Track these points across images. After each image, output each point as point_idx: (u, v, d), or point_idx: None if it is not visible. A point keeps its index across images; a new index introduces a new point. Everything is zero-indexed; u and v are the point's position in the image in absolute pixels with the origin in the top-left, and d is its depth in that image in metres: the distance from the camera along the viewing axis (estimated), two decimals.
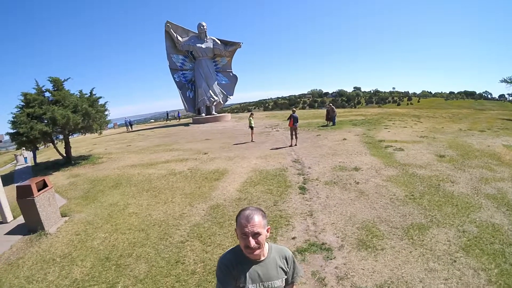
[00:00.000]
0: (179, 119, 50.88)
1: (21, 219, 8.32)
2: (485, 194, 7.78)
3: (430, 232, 5.95)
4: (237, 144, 17.73)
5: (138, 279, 5.16)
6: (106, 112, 17.82)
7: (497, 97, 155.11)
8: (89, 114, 15.82)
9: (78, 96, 16.66)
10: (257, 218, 1.99)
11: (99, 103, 17.32)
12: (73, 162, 16.65)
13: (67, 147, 16.94)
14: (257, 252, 2.03)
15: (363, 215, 6.85)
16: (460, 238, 5.68)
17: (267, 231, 2.08)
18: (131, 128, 40.70)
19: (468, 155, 11.75)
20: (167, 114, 58.93)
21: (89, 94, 17.20)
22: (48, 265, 5.93)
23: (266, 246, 2.17)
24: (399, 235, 5.91)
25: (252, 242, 1.96)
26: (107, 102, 18.17)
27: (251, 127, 18.74)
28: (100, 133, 18.37)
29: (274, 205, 7.76)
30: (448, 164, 10.58)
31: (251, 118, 19.05)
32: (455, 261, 4.98)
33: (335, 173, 10.13)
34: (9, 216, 8.78)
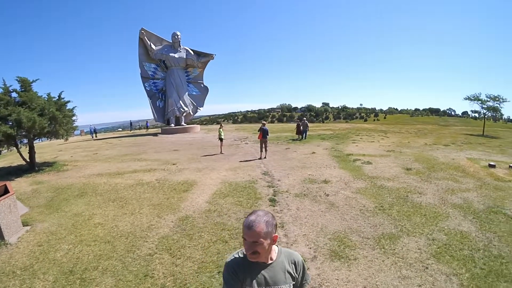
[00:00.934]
0: (147, 129, 49.77)
1: None
2: (451, 204, 8.11)
3: (401, 241, 6.03)
4: (206, 155, 17.47)
5: None
6: (74, 118, 17.14)
7: (460, 114, 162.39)
8: (56, 119, 15.09)
9: (46, 99, 15.94)
10: (259, 228, 1.91)
11: (67, 108, 16.65)
12: (37, 168, 15.78)
13: (31, 152, 16.04)
14: (256, 259, 2.00)
15: (334, 226, 6.82)
16: (430, 246, 5.83)
17: (274, 239, 2.01)
18: (96, 136, 39.55)
19: (434, 168, 12.13)
20: (131, 123, 56.72)
21: (57, 98, 16.49)
22: (8, 278, 5.50)
23: (275, 249, 2.15)
24: (371, 244, 5.92)
25: (249, 250, 1.94)
26: (75, 107, 17.45)
27: (221, 139, 18.52)
28: (66, 139, 17.64)
29: (244, 216, 7.52)
30: (415, 177, 10.87)
31: (221, 129, 18.86)
32: (427, 267, 5.08)
33: (305, 186, 10.12)
34: None
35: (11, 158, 21.13)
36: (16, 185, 12.67)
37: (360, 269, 5.12)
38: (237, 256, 2.12)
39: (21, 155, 15.82)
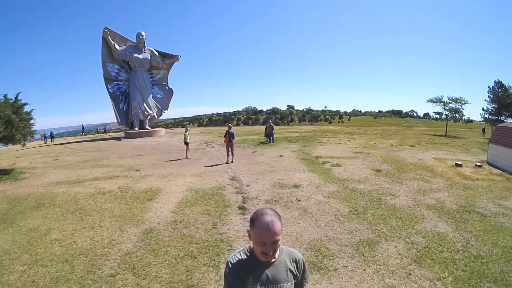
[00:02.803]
0: (106, 133, 47.82)
1: None
2: (425, 205, 8.08)
3: (380, 247, 5.82)
4: (171, 160, 16.87)
5: None
6: (32, 121, 16.06)
7: (422, 115, 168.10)
8: (12, 122, 14.12)
9: (3, 101, 14.88)
10: (277, 227, 1.87)
11: (24, 111, 15.56)
12: None
13: None
14: (271, 258, 1.97)
15: (309, 234, 6.47)
16: (410, 250, 5.70)
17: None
18: (52, 140, 37.73)
19: (403, 168, 12.18)
20: (83, 128, 53.36)
21: (13, 100, 15.39)
22: None
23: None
24: (349, 253, 5.65)
25: (271, 251, 1.89)
26: (33, 109, 16.36)
27: (186, 143, 17.98)
28: (24, 144, 16.55)
29: (213, 227, 7.10)
30: (385, 178, 10.83)
31: (186, 133, 18.29)
32: (410, 274, 4.93)
33: (275, 191, 9.77)
34: None
35: None
36: None
37: (341, 280, 4.82)
38: (239, 256, 2.06)
39: None
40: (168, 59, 36.65)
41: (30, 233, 7.57)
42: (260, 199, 8.99)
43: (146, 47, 35.11)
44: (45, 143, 35.82)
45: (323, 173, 11.84)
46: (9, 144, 15.64)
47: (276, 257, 2.05)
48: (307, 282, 2.24)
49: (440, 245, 5.82)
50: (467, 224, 6.87)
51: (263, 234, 1.85)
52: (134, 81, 34.25)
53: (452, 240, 6.05)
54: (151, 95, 35.85)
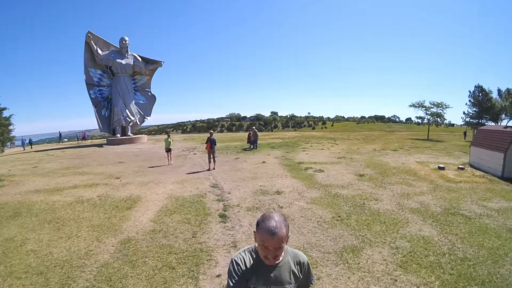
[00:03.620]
0: (84, 140, 46.66)
1: None
2: (409, 209, 7.99)
3: (364, 253, 5.66)
4: (152, 167, 16.55)
5: None
6: (11, 127, 15.58)
7: (404, 120, 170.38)
8: None
9: None
10: (282, 233, 1.84)
11: (2, 115, 15.06)
12: None
13: None
14: (274, 262, 1.96)
15: (291, 242, 6.21)
16: (395, 255, 5.56)
17: (287, 240, 1.95)
18: (31, 147, 37.08)
19: (386, 173, 12.15)
20: (60, 134, 51.59)
21: None
22: None
23: None
24: (333, 260, 5.46)
25: (273, 256, 1.89)
26: (12, 115, 15.89)
27: (169, 150, 17.67)
28: (2, 151, 16.03)
29: (193, 237, 6.83)
30: (369, 183, 10.76)
31: (169, 140, 17.95)
32: (396, 280, 4.78)
33: (256, 198, 9.56)
34: None
35: None
36: None
37: None
38: (244, 254, 2.08)
39: None
40: (151, 64, 36.32)
41: (5, 244, 7.23)
42: (242, 207, 8.76)
43: (129, 53, 34.74)
44: (24, 149, 35.00)
45: (306, 179, 11.71)
46: None
47: (281, 258, 2.03)
48: (312, 284, 2.25)
49: (426, 249, 5.71)
50: (452, 227, 6.81)
51: (266, 239, 1.84)
52: (117, 86, 33.78)
53: (438, 244, 5.96)
54: (133, 101, 35.40)
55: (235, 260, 2.05)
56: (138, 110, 36.29)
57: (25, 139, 38.29)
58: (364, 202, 8.63)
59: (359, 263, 5.29)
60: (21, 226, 8.42)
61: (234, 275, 2.00)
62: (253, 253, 2.06)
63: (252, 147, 23.02)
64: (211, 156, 15.23)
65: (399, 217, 7.44)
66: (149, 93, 38.06)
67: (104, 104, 34.65)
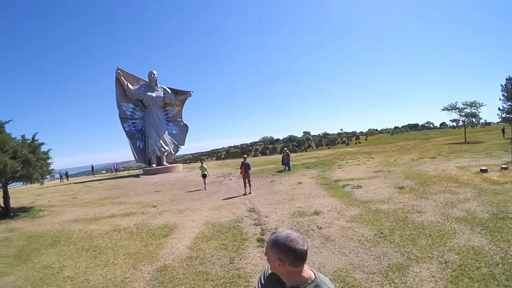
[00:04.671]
0: (116, 171, 47.83)
1: None
2: (455, 218, 7.53)
3: (411, 270, 5.30)
4: (188, 195, 16.75)
5: None
6: (49, 160, 16.42)
7: (438, 126, 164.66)
8: (29, 162, 14.54)
9: (20, 141, 15.29)
10: (271, 252, 1.79)
11: (41, 150, 15.93)
12: (11, 214, 14.96)
13: (5, 197, 15.27)
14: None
15: (333, 264, 5.99)
16: (444, 270, 5.17)
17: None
18: (68, 179, 39.06)
19: (426, 182, 11.63)
20: (92, 167, 53.28)
21: (31, 140, 15.83)
22: None
23: (311, 277, 1.87)
24: (378, 281, 5.13)
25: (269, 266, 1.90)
26: (50, 149, 16.80)
27: (204, 175, 18.28)
28: (42, 183, 16.94)
29: (230, 263, 6.71)
30: (409, 195, 10.30)
31: (204, 166, 18.71)
32: None
33: (294, 220, 9.35)
34: None
35: None
36: None
37: None
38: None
39: None
40: (180, 95, 37.27)
41: (43, 270, 7.53)
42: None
43: (159, 85, 35.88)
44: (61, 182, 37.01)
45: (344, 197, 11.37)
46: (29, 183, 15.93)
47: (303, 284, 1.86)
48: None
49: (477, 261, 5.29)
50: (502, 233, 6.35)
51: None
52: (149, 119, 34.83)
53: (489, 253, 5.52)
54: (166, 132, 36.29)
55: (264, 270, 2.07)
56: (171, 140, 37.13)
57: (62, 172, 39.91)
58: (406, 215, 8.22)
59: (406, 282, 4.96)
60: (59, 253, 8.72)
61: (259, 280, 2.06)
62: None
63: (285, 169, 22.85)
64: (246, 180, 15.17)
65: (445, 228, 6.99)
66: (181, 123, 38.93)
67: (139, 136, 35.79)
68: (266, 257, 1.87)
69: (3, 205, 15.17)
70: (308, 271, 1.89)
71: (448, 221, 7.38)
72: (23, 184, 16.31)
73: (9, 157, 13.55)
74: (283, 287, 1.89)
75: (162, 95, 35.61)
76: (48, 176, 20.88)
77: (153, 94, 34.88)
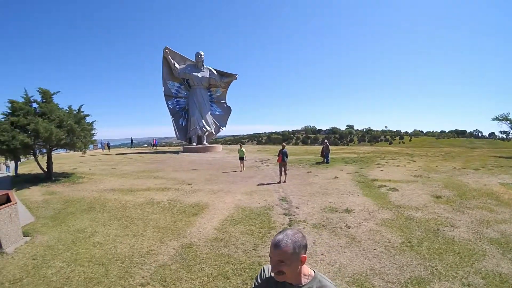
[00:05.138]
0: (155, 147, 49.27)
1: None
2: (488, 239, 7.12)
3: (431, 287, 5.14)
4: (224, 176, 17.12)
5: None
6: (93, 131, 17.42)
7: (487, 135, 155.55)
8: (73, 131, 15.58)
9: (67, 111, 16.24)
10: (286, 248, 1.85)
11: (86, 121, 16.90)
12: (53, 178, 16.18)
13: (49, 162, 16.52)
14: (281, 279, 1.94)
15: (354, 266, 5.98)
16: None
17: (302, 260, 1.93)
18: (109, 149, 41.61)
19: (465, 195, 11.14)
20: (132, 140, 55.05)
21: (77, 111, 16.80)
22: None
23: (311, 274, 2.02)
24: None
25: (274, 269, 1.90)
26: (94, 121, 17.82)
27: (241, 158, 19.06)
28: (84, 152, 17.91)
29: (253, 249, 6.87)
30: (445, 206, 9.91)
31: (242, 149, 19.45)
32: None
33: (324, 215, 9.32)
34: None
35: (31, 166, 21.66)
36: (30, 193, 13.02)
37: None
38: (268, 268, 2.10)
39: (38, 164, 16.29)
40: (226, 77, 37.63)
41: (76, 234, 8.13)
42: (308, 223, 8.61)
43: (205, 66, 36.39)
44: (103, 151, 39.67)
45: (378, 198, 11.16)
46: (72, 151, 16.96)
47: (303, 283, 1.99)
48: None
49: None
50: None
51: (270, 249, 1.91)
52: (193, 98, 35.54)
53: None
54: (209, 112, 36.91)
55: (263, 268, 2.16)
56: (213, 120, 37.77)
57: (104, 142, 42.13)
58: (438, 227, 7.92)
59: None
60: (93, 219, 9.35)
61: (256, 281, 2.13)
62: None
63: (324, 161, 22.67)
64: (283, 168, 15.22)
65: (475, 247, 6.65)
66: (225, 105, 39.38)
67: (181, 114, 36.78)
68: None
69: (46, 170, 16.21)
70: (307, 269, 2.02)
71: (480, 241, 7.03)
72: (66, 151, 17.28)
73: (55, 125, 14.48)
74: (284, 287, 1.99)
75: (208, 76, 36.11)
76: (91, 145, 22.07)
77: (199, 75, 35.45)
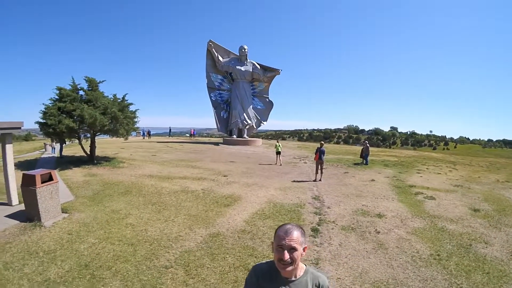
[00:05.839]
0: (192, 137, 50.07)
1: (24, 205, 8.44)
2: None
3: None
4: (260, 170, 17.36)
5: None
6: (136, 119, 18.19)
7: None
8: (117, 118, 16.41)
9: (111, 99, 17.14)
10: (296, 234, 1.98)
11: (129, 109, 17.67)
12: (95, 161, 17.15)
13: (92, 146, 17.53)
14: (289, 268, 1.99)
15: (376, 273, 5.96)
16: None
17: (304, 250, 2.04)
18: (149, 137, 43.02)
19: (505, 211, 10.56)
20: (170, 129, 56.26)
21: (121, 99, 17.60)
22: (30, 257, 5.91)
23: (303, 267, 2.14)
24: None
25: (287, 255, 1.94)
26: (137, 109, 18.62)
27: (278, 152, 19.91)
28: (126, 138, 18.74)
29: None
30: (482, 220, 9.47)
31: (278, 144, 20.39)
32: None
33: (355, 218, 9.30)
34: (14, 199, 9.13)
35: (75, 149, 22.88)
36: (72, 174, 13.87)
37: None
38: (264, 265, 2.16)
39: (82, 147, 17.32)
40: (269, 72, 37.66)
41: (111, 214, 8.69)
42: (337, 224, 8.65)
43: (248, 60, 36.64)
44: (143, 139, 41.15)
45: (413, 205, 10.91)
46: (115, 137, 17.84)
47: (298, 276, 2.08)
48: None
49: None
50: None
51: (281, 237, 1.96)
52: (236, 91, 36.01)
53: None
54: (251, 106, 37.21)
55: (254, 268, 2.16)
56: (255, 114, 38.07)
57: (145, 130, 43.75)
58: (471, 243, 7.60)
59: None
60: (128, 202, 9.91)
61: (249, 282, 2.12)
62: (273, 266, 2.10)
63: (363, 162, 22.34)
64: (319, 167, 15.23)
65: (507, 269, 6.26)
66: (267, 99, 39.53)
67: (223, 107, 37.38)
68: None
69: (89, 153, 17.15)
70: (300, 263, 2.10)
71: None
72: (109, 136, 18.21)
73: (99, 112, 15.33)
74: (280, 281, 2.07)
75: (251, 70, 36.36)
76: (134, 132, 23.07)
77: (242, 68, 35.79)
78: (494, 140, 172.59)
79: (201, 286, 5.25)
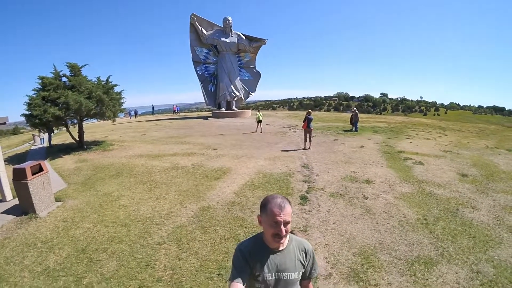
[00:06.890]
0: (177, 113, 48.98)
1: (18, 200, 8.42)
2: (508, 226, 6.64)
3: (437, 269, 5.00)
4: (249, 141, 17.33)
5: (104, 277, 4.94)
6: (122, 100, 17.95)
7: None
8: (102, 101, 16.08)
9: (95, 82, 16.88)
10: (288, 207, 1.97)
11: (114, 91, 17.39)
12: (85, 147, 16.89)
13: (80, 132, 17.27)
14: (283, 241, 2.03)
15: (364, 238, 6.00)
16: (472, 280, 4.71)
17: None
18: (136, 117, 43.10)
19: (493, 176, 10.60)
20: (153, 107, 55.70)
21: (105, 82, 17.29)
22: (29, 249, 5.96)
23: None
24: (400, 268, 5.02)
25: (284, 230, 1.94)
26: (123, 90, 18.36)
27: (259, 121, 21.10)
28: (114, 120, 18.48)
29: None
30: (470, 185, 9.49)
31: (259, 113, 21.71)
32: None
33: (343, 184, 9.33)
34: (8, 195, 8.99)
35: (64, 137, 22.54)
36: (63, 162, 13.61)
37: None
38: (249, 242, 2.14)
39: (70, 134, 17.08)
40: (255, 42, 37.04)
41: (103, 197, 8.67)
42: (325, 191, 8.69)
43: (233, 31, 35.97)
44: (131, 119, 41.02)
45: (401, 171, 10.93)
46: (103, 120, 17.71)
47: (285, 245, 2.11)
48: (317, 273, 2.27)
49: (511, 282, 4.67)
50: None
51: (275, 213, 1.92)
52: (222, 64, 35.47)
53: None
54: (238, 78, 36.77)
55: (239, 248, 2.11)
56: (243, 86, 37.64)
57: (131, 110, 43.76)
58: (458, 207, 7.60)
59: (427, 280, 4.73)
60: (120, 184, 9.85)
61: (238, 262, 2.05)
62: (257, 240, 2.12)
63: (352, 129, 22.34)
64: (308, 135, 15.17)
65: (492, 234, 6.24)
66: (254, 70, 38.95)
67: (210, 80, 36.87)
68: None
69: (78, 139, 16.96)
70: None
71: (499, 227, 6.59)
72: (97, 120, 18.01)
73: (84, 97, 15.06)
74: (271, 252, 2.08)
75: (236, 41, 35.73)
76: (122, 114, 22.82)
77: (227, 40, 35.14)
78: (485, 106, 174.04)
79: (193, 259, 5.32)
